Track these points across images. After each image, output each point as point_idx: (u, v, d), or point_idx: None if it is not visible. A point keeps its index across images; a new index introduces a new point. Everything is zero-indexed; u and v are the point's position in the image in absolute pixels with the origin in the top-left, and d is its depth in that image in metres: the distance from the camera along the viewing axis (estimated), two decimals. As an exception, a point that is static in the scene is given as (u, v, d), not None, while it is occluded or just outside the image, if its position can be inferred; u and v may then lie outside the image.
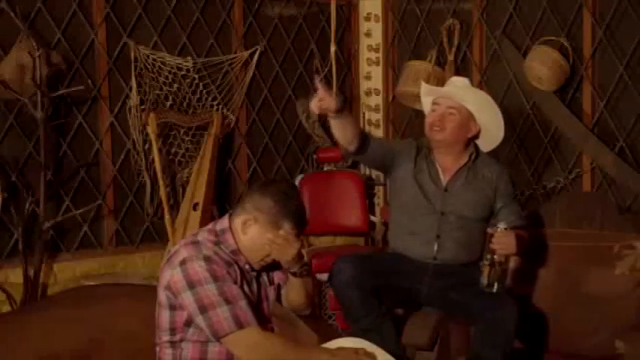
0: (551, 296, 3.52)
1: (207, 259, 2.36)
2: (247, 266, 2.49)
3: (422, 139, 3.42)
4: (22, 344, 2.69)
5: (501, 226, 3.02)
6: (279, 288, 2.64)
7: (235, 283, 2.39)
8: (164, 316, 2.42)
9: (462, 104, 3.28)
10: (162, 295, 2.41)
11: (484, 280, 3.00)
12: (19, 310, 3.83)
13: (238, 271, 2.44)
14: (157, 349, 2.46)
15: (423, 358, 3.24)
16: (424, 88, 3.47)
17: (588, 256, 3.51)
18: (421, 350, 3.22)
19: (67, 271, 4.22)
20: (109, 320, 2.84)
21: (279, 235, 2.43)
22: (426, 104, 3.44)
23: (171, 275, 2.38)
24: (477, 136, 3.35)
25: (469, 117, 3.29)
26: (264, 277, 2.59)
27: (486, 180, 3.32)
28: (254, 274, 2.53)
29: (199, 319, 2.34)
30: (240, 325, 2.33)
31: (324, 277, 4.28)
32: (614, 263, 3.44)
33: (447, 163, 3.33)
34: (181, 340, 2.40)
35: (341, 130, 3.17)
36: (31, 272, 4.01)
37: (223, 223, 2.50)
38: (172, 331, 2.41)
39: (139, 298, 2.86)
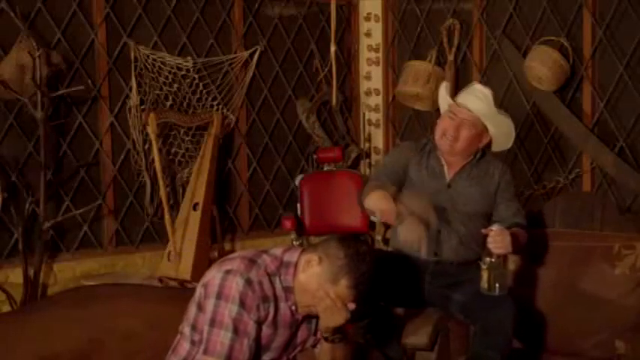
0: (551, 296, 3.52)
1: (247, 282, 2.33)
2: (294, 307, 2.44)
3: (427, 139, 3.40)
4: (22, 344, 2.69)
5: (495, 227, 3.02)
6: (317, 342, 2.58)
7: (259, 321, 2.36)
8: (191, 310, 2.42)
9: (482, 121, 3.24)
10: (197, 290, 2.41)
11: (484, 285, 2.98)
12: (19, 310, 3.83)
13: (272, 311, 2.39)
14: (178, 336, 2.47)
15: (423, 358, 3.24)
16: (444, 98, 3.35)
17: (588, 256, 3.51)
18: (421, 350, 3.22)
19: (67, 271, 4.22)
20: (109, 320, 2.83)
21: (333, 293, 2.36)
22: (443, 106, 3.40)
23: (212, 277, 2.37)
24: (486, 146, 3.34)
25: (483, 129, 3.25)
26: (312, 325, 2.54)
27: (490, 176, 3.32)
28: (299, 317, 2.47)
29: (205, 328, 2.34)
30: (229, 357, 2.31)
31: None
32: (614, 263, 3.44)
33: (453, 161, 3.32)
34: (200, 342, 2.38)
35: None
36: (31, 272, 4.01)
37: (293, 255, 2.44)
38: (194, 328, 2.40)
39: (139, 298, 2.85)
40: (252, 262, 2.39)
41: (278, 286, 2.40)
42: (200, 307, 2.38)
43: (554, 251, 3.57)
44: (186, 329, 2.43)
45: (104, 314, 2.85)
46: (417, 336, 3.21)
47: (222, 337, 2.31)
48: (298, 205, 4.75)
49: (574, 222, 3.69)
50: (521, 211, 3.39)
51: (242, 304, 2.32)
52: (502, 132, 3.31)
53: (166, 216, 4.30)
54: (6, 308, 3.97)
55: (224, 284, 2.33)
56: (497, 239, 2.97)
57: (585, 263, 3.51)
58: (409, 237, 2.90)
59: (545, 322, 3.51)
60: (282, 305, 2.41)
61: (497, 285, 2.97)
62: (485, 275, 2.98)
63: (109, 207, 4.41)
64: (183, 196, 4.53)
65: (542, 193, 4.45)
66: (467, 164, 3.31)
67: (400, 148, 3.60)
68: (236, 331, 2.31)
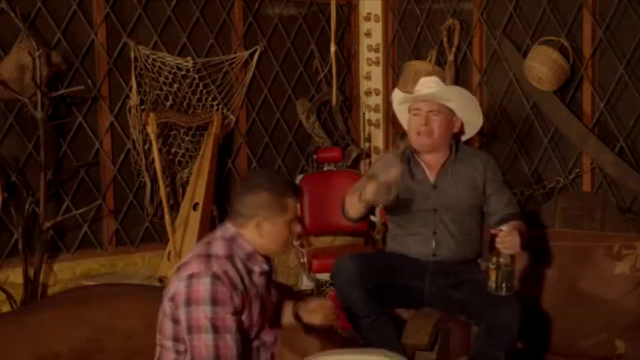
0: (552, 296, 3.52)
1: (214, 277, 2.33)
2: (265, 265, 2.48)
3: (403, 146, 3.41)
4: (21, 344, 2.69)
5: (504, 227, 3.02)
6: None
7: (236, 310, 2.36)
8: (167, 326, 2.41)
9: (443, 104, 3.28)
10: (167, 306, 2.40)
11: (492, 285, 2.98)
12: (19, 310, 3.83)
13: (244, 293, 2.39)
14: (158, 349, 2.46)
15: (423, 358, 3.24)
16: (399, 96, 3.46)
17: (588, 256, 3.51)
18: (421, 350, 3.22)
19: (67, 271, 4.22)
20: (109, 320, 2.83)
21: (289, 216, 2.48)
22: (401, 112, 3.46)
23: (177, 288, 2.36)
24: (460, 130, 3.37)
25: (451, 114, 3.32)
26: (270, 281, 2.59)
27: (474, 169, 3.34)
28: (263, 280, 2.50)
29: (186, 338, 2.34)
30: (217, 357, 2.31)
31: (324, 277, 4.29)
32: (614, 263, 3.44)
33: (432, 161, 3.35)
34: (186, 351, 2.39)
35: (359, 209, 3.20)
36: (31, 272, 4.01)
37: (229, 229, 2.47)
38: (176, 341, 2.40)
39: (139, 298, 2.86)
40: (207, 257, 2.39)
41: (240, 265, 2.42)
42: (177, 321, 2.37)
43: (554, 251, 3.57)
44: (166, 342, 2.42)
45: (104, 314, 2.85)
46: (417, 336, 3.21)
47: (205, 340, 2.30)
48: (298, 205, 4.75)
49: (574, 222, 3.69)
50: (513, 199, 3.41)
51: (214, 301, 2.31)
52: (466, 106, 3.34)
53: (166, 216, 4.29)
54: (6, 308, 3.97)
55: (191, 290, 2.33)
56: (507, 240, 2.97)
57: (585, 263, 3.51)
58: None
59: (545, 321, 3.51)
60: (248, 282, 2.43)
61: (504, 285, 2.97)
62: (493, 275, 2.98)
63: (109, 207, 4.41)
64: (183, 196, 4.53)
65: (542, 193, 4.45)
66: (447, 161, 3.33)
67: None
68: (216, 329, 2.31)
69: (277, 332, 2.57)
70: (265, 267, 2.48)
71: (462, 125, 3.37)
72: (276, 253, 2.54)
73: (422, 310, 3.34)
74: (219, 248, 2.42)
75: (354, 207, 3.20)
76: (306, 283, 4.55)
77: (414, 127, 3.31)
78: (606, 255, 3.47)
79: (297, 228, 2.51)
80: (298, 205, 2.52)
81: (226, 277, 2.35)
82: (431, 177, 3.33)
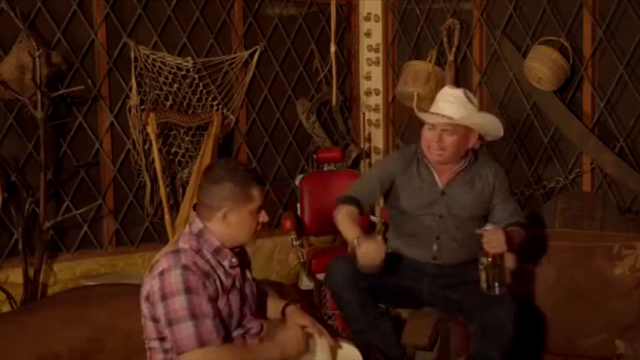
0: (551, 296, 3.53)
1: (184, 268, 2.35)
2: (234, 260, 2.48)
3: (415, 145, 3.39)
4: (22, 344, 2.69)
5: (489, 226, 3.03)
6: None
7: (210, 297, 2.37)
8: (150, 327, 2.42)
9: (461, 123, 3.22)
10: (144, 307, 2.42)
11: (484, 285, 3.00)
12: (19, 310, 3.83)
13: (218, 283, 2.42)
14: (148, 353, 2.48)
15: (423, 358, 3.24)
16: (417, 112, 3.41)
17: (588, 256, 3.51)
18: (421, 350, 3.22)
19: (67, 271, 4.22)
20: (109, 320, 2.84)
21: (254, 207, 2.46)
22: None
23: (150, 286, 2.38)
24: (476, 143, 3.32)
25: (466, 131, 3.22)
26: (247, 274, 2.60)
27: (483, 179, 3.31)
28: (236, 271, 2.51)
29: (167, 332, 2.35)
30: (201, 343, 2.31)
31: (324, 276, 4.28)
32: (614, 263, 3.44)
33: (444, 168, 3.30)
34: (172, 348, 2.40)
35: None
36: (31, 272, 4.01)
37: (197, 225, 2.48)
38: (161, 340, 2.41)
39: (139, 298, 2.86)
40: (175, 252, 2.41)
41: (209, 257, 2.44)
42: (156, 320, 2.38)
43: (554, 251, 3.58)
44: (153, 343, 2.44)
45: (104, 314, 2.86)
46: (417, 336, 3.21)
47: (185, 329, 2.31)
48: (298, 205, 4.75)
49: (574, 222, 3.69)
50: (519, 209, 3.38)
51: (187, 290, 2.33)
52: (485, 125, 3.29)
53: (166, 216, 4.29)
54: (6, 308, 3.98)
55: (164, 285, 2.34)
56: (492, 239, 2.98)
57: (585, 263, 3.51)
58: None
59: (545, 322, 3.51)
60: (222, 273, 2.44)
61: (496, 284, 2.99)
62: (483, 275, 3.00)
63: (109, 207, 4.41)
64: (183, 196, 4.53)
65: (542, 193, 4.45)
66: (460, 171, 3.29)
67: (386, 162, 3.60)
68: (194, 316, 2.32)
69: (263, 322, 2.58)
70: (234, 261, 2.49)
71: (479, 137, 3.30)
72: (245, 244, 2.53)
73: (421, 310, 3.34)
74: (186, 243, 2.45)
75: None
76: (306, 283, 4.54)
77: (426, 140, 3.25)
78: (606, 255, 3.47)
79: (265, 217, 2.50)
80: (261, 194, 2.49)
81: (196, 267, 2.37)
82: (440, 183, 3.30)
